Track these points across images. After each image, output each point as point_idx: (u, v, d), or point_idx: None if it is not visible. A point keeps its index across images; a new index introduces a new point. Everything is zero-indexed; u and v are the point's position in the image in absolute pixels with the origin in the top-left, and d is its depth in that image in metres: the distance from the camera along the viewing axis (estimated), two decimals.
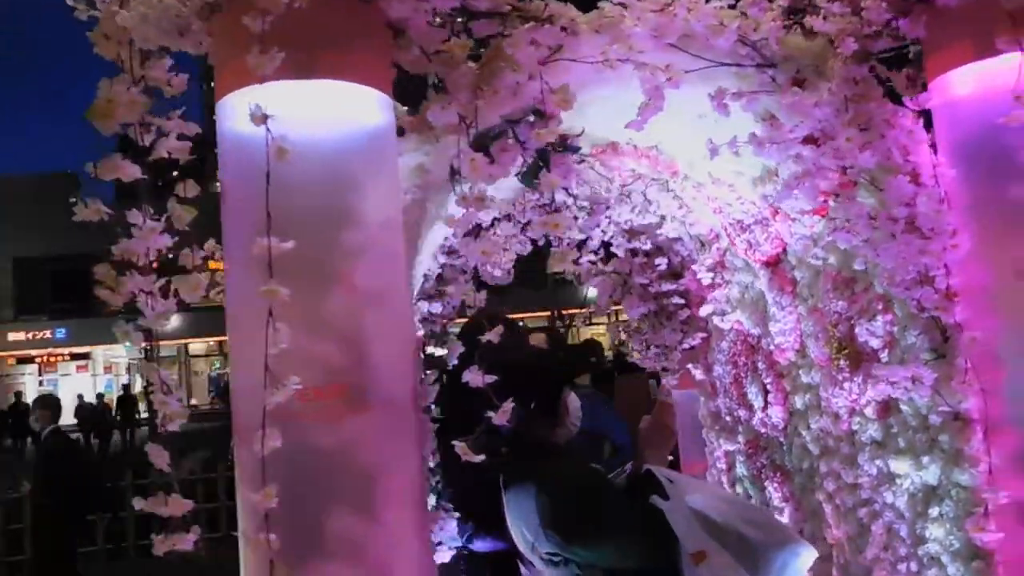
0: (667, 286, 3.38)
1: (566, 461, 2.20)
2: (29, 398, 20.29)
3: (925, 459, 2.01)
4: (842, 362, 2.33)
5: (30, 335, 27.92)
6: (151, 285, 1.50)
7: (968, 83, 1.87)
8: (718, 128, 2.24)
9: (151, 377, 1.50)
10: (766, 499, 2.98)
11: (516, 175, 2.06)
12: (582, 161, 2.63)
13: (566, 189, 2.16)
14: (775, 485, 2.90)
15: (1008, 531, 1.83)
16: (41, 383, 27.46)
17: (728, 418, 3.25)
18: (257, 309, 1.46)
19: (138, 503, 1.49)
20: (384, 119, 1.68)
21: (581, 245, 3.17)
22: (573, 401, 2.28)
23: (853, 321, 2.25)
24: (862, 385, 2.22)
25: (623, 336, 3.82)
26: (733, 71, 2.04)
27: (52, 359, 29.40)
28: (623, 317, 3.74)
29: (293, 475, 1.51)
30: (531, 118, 2.01)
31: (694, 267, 3.09)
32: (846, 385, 2.29)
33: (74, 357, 29.51)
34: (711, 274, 3.00)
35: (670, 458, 3.82)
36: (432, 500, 2.31)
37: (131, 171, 1.55)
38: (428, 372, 2.18)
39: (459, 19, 1.68)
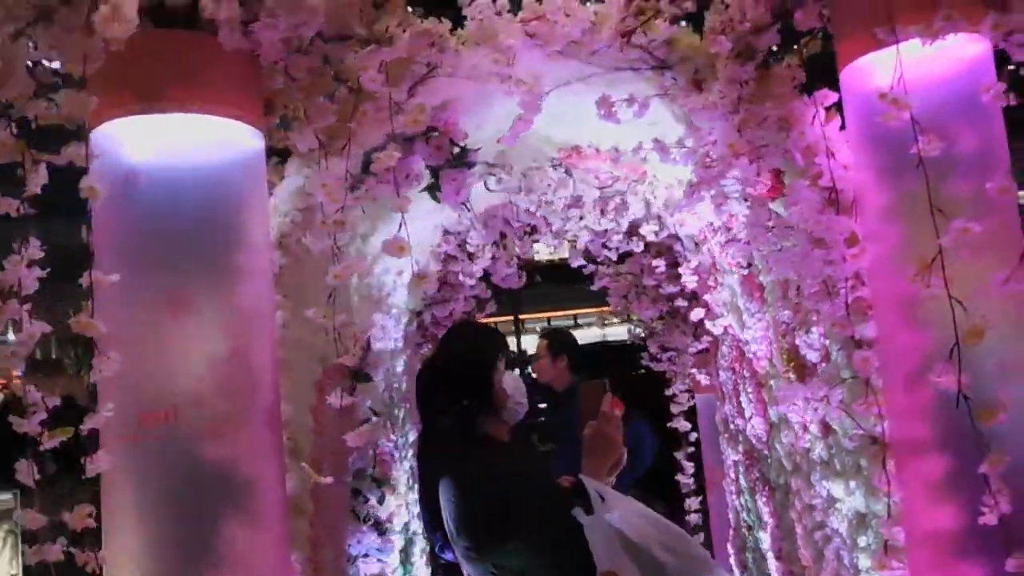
0: (671, 288, 3.27)
1: (496, 459, 2.14)
2: None
3: (852, 483, 1.86)
4: (791, 375, 2.18)
5: None
6: (21, 313, 1.62)
7: (877, 73, 1.70)
8: (652, 130, 2.16)
9: (21, 393, 1.61)
10: (759, 512, 2.84)
11: (421, 191, 2.07)
12: (539, 168, 2.59)
13: (464, 204, 2.14)
14: (764, 499, 2.75)
15: (925, 566, 1.66)
16: None
17: (732, 426, 3.11)
18: (115, 335, 1.57)
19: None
20: (248, 148, 1.72)
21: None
22: (510, 382, 2.23)
23: (796, 332, 2.10)
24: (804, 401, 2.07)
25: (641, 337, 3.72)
26: (643, 75, 1.96)
27: None
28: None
29: (149, 494, 1.60)
30: (435, 134, 2.02)
31: (680, 269, 2.97)
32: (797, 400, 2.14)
33: None
34: (695, 277, 2.87)
35: (689, 465, 3.71)
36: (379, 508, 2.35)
37: (7, 205, 1.66)
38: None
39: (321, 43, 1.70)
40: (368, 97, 1.80)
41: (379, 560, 2.20)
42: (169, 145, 1.65)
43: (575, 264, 3.13)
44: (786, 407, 2.22)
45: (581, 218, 2.76)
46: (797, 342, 2.07)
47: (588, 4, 1.80)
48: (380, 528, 2.21)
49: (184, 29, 1.57)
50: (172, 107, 1.61)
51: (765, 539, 2.73)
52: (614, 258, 3.13)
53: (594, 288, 3.43)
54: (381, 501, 2.35)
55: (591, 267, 3.33)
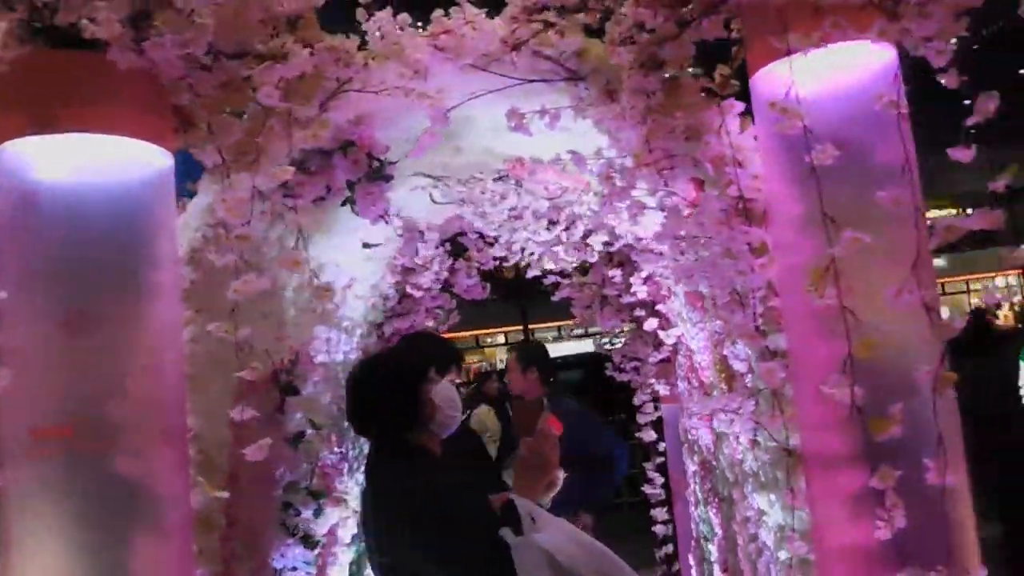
0: (630, 298, 3.24)
1: (419, 474, 2.11)
2: None
3: (772, 496, 1.84)
4: (723, 385, 2.16)
5: None
6: None
7: (784, 81, 1.68)
8: (573, 140, 2.15)
9: None
10: (712, 523, 2.80)
11: (342, 204, 2.06)
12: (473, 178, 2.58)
13: (382, 216, 2.12)
14: (714, 511, 2.72)
15: None
16: None
17: (691, 436, 3.09)
18: (16, 350, 1.58)
19: None
20: (154, 166, 1.71)
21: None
22: (440, 393, 2.19)
23: (725, 342, 2.08)
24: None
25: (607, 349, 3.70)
26: (556, 86, 1.94)
27: None
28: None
29: (51, 511, 1.59)
30: (353, 148, 2.02)
31: (631, 279, 2.95)
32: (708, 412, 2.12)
33: None
34: (646, 288, 2.84)
35: (656, 476, 3.67)
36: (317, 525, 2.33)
37: None
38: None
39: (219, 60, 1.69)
40: (277, 113, 1.80)
41: (307, 573, 2.19)
42: (73, 164, 1.65)
43: (530, 275, 3.11)
44: (696, 420, 2.21)
45: (524, 229, 2.75)
46: (725, 352, 2.05)
47: (496, 18, 1.79)
48: (308, 541, 2.19)
49: (78, 49, 1.57)
50: (70, 127, 1.61)
51: (713, 551, 2.70)
52: (570, 269, 3.11)
53: (555, 299, 3.40)
54: (317, 514, 2.33)
55: (553, 278, 3.31)
